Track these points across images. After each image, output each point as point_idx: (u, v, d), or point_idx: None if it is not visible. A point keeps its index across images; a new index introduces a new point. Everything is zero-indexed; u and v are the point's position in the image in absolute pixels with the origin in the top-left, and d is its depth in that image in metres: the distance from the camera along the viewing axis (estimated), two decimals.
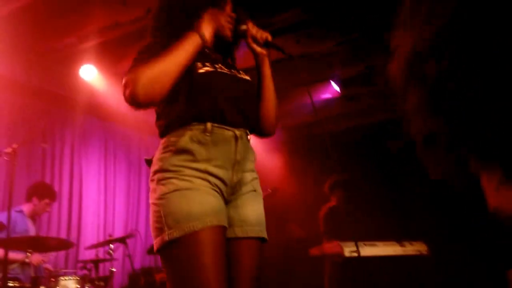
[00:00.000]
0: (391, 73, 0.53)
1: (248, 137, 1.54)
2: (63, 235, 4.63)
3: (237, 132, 1.45)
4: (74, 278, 3.32)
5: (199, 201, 1.33)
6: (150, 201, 1.40)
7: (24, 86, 4.44)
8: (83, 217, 4.94)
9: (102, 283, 3.51)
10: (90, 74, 4.54)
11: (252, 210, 1.48)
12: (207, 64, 1.48)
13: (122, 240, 3.92)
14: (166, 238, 1.29)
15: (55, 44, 4.30)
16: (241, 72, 1.62)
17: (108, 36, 4.03)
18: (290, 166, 5.91)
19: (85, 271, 3.56)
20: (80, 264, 3.88)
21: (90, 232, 4.96)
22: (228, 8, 1.60)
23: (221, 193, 1.41)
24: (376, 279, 3.64)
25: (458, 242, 4.21)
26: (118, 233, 4.96)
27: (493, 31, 0.43)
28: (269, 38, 1.57)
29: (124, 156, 5.65)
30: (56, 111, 4.90)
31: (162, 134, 1.47)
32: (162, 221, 1.31)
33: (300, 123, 5.66)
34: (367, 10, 3.44)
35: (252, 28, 1.55)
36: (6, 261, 2.90)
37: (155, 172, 1.40)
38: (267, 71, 1.61)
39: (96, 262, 3.61)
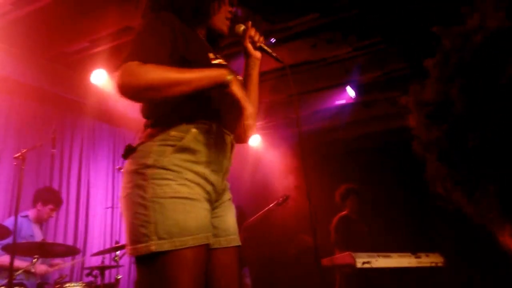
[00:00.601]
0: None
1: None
2: (69, 241, 4.58)
3: (231, 138, 1.44)
4: (80, 285, 3.26)
5: (195, 215, 1.26)
6: (131, 197, 1.27)
7: (34, 91, 4.44)
8: (90, 223, 4.90)
9: None
10: (101, 79, 4.53)
11: (231, 219, 1.47)
12: (218, 56, 1.45)
13: None
14: (153, 248, 1.21)
15: (66, 49, 4.31)
16: None
17: (120, 41, 4.01)
18: (303, 173, 5.84)
19: (91, 278, 3.49)
20: (86, 271, 3.81)
21: (97, 238, 4.91)
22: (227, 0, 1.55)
23: (211, 201, 1.37)
24: None
25: (475, 253, 4.09)
26: (125, 240, 4.89)
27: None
28: (263, 43, 1.56)
29: None
30: (66, 116, 4.89)
31: (154, 123, 1.35)
32: (151, 228, 1.23)
33: (314, 129, 5.60)
34: (385, 15, 3.38)
35: (250, 29, 1.55)
36: (11, 266, 2.84)
37: (147, 166, 1.28)
38: (255, 75, 1.58)
39: (102, 269, 3.54)
